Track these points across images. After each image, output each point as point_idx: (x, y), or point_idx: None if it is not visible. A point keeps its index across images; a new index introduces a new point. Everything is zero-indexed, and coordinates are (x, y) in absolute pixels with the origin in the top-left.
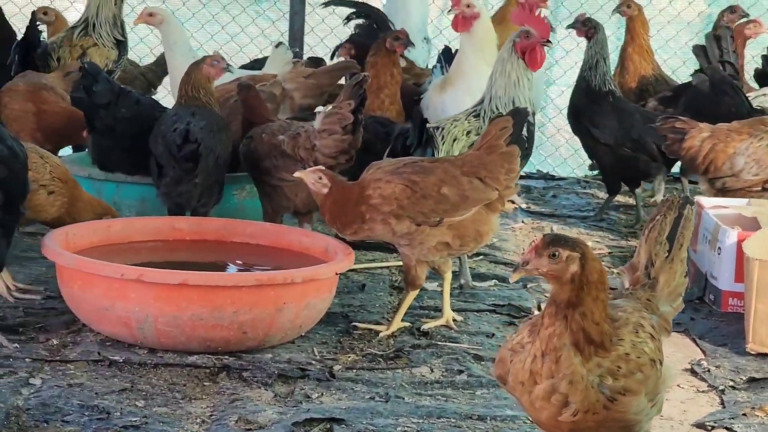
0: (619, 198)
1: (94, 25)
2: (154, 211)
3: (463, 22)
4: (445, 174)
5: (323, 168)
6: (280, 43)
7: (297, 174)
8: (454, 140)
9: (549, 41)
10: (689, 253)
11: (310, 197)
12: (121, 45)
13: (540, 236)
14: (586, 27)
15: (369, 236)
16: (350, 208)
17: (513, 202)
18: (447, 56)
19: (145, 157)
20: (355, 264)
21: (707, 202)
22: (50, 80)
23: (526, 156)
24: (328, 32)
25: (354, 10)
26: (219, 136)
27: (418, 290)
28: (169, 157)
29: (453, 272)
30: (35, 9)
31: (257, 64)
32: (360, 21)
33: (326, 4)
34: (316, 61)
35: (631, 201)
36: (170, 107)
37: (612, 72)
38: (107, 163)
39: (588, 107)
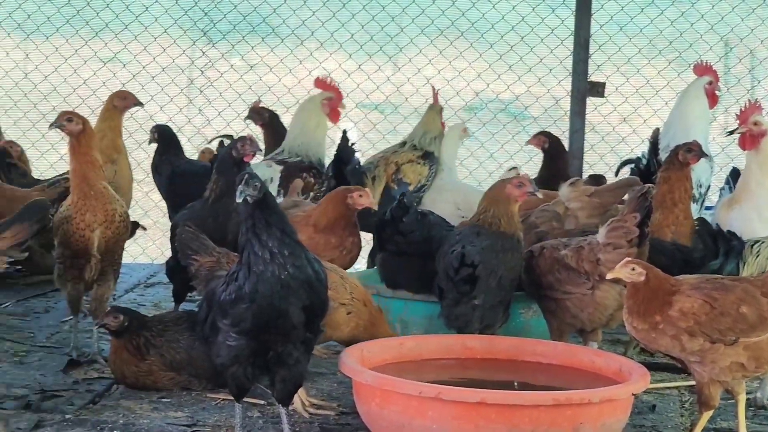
0: None
1: (414, 145)
2: (441, 329)
3: (751, 140)
4: (745, 293)
5: (631, 258)
6: (513, 168)
7: (609, 275)
8: None
9: None
10: None
11: (597, 312)
12: (430, 157)
13: None
14: None
15: (653, 343)
16: (656, 304)
17: None
18: (735, 176)
19: (432, 277)
20: None
21: None
22: None
23: None
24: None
25: None
26: (503, 256)
27: (712, 411)
28: (447, 279)
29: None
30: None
31: None
32: None
33: None
34: (596, 179)
35: None
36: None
37: None
38: (396, 281)
39: None
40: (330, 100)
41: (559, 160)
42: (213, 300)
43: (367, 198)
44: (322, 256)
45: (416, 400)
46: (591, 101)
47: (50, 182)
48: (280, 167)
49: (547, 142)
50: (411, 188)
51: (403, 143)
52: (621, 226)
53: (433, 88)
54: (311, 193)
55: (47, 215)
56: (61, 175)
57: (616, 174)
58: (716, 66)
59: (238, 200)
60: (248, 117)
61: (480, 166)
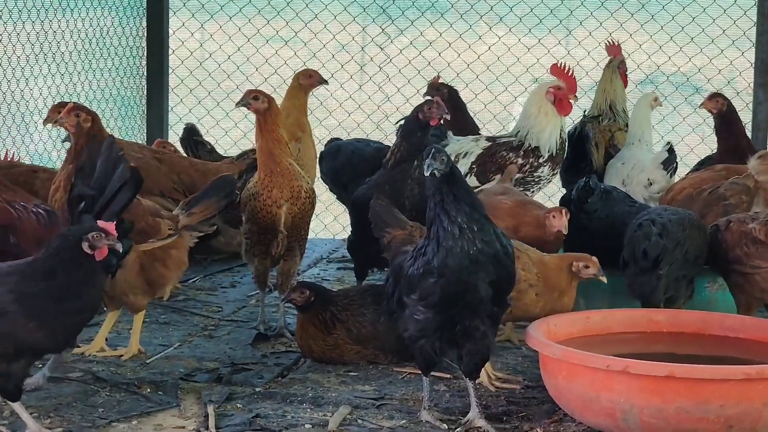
0: None
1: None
2: (624, 305)
3: None
4: None
5: None
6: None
7: None
8: None
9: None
10: None
11: None
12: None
13: None
14: None
15: None
16: None
17: None
18: None
19: (616, 251)
20: None
21: None
22: None
23: None
24: None
25: None
26: (690, 232)
27: None
28: (634, 250)
29: None
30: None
31: None
32: None
33: None
34: None
35: None
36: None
37: None
38: None
39: None
40: (558, 89)
41: (734, 126)
42: (400, 274)
43: (562, 219)
44: None
45: (603, 374)
46: None
47: (238, 156)
48: (488, 143)
49: (725, 105)
50: None
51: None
52: None
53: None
54: (519, 174)
55: (234, 190)
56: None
57: None
58: None
59: (426, 173)
60: (426, 93)
61: (661, 140)
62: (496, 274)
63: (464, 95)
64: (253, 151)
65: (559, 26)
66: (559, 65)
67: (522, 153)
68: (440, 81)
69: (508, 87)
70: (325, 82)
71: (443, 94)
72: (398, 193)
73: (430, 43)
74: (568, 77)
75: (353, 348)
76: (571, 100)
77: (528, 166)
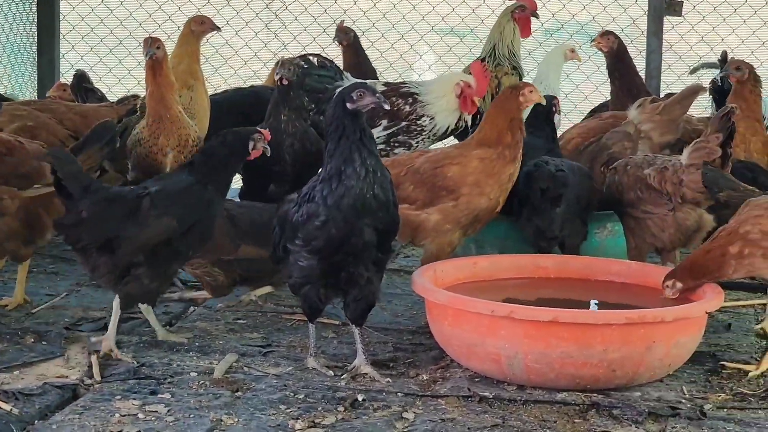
0: None
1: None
2: (515, 249)
3: None
4: None
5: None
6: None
7: None
8: None
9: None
10: None
11: (677, 233)
12: (518, 69)
13: None
14: None
15: (749, 273)
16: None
17: None
18: None
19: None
20: None
21: None
22: None
23: None
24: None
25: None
26: (580, 179)
27: None
28: (531, 197)
29: None
30: None
31: None
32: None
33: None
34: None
35: None
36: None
37: None
38: None
39: None
40: (468, 87)
41: (626, 64)
42: (285, 221)
43: (537, 92)
44: (505, 175)
45: (488, 319)
46: (668, 20)
47: (119, 100)
48: (383, 88)
49: (617, 42)
50: None
51: (482, 59)
52: (704, 146)
53: None
54: (404, 122)
55: (115, 137)
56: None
57: (692, 73)
58: None
59: (275, 78)
60: (335, 37)
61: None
62: (383, 222)
63: (380, 45)
64: (135, 96)
65: None
66: (481, 65)
67: (410, 100)
68: (345, 25)
69: (404, 35)
70: (218, 28)
71: (350, 38)
72: (278, 147)
73: None
74: (483, 78)
75: None
76: (476, 101)
77: (413, 115)
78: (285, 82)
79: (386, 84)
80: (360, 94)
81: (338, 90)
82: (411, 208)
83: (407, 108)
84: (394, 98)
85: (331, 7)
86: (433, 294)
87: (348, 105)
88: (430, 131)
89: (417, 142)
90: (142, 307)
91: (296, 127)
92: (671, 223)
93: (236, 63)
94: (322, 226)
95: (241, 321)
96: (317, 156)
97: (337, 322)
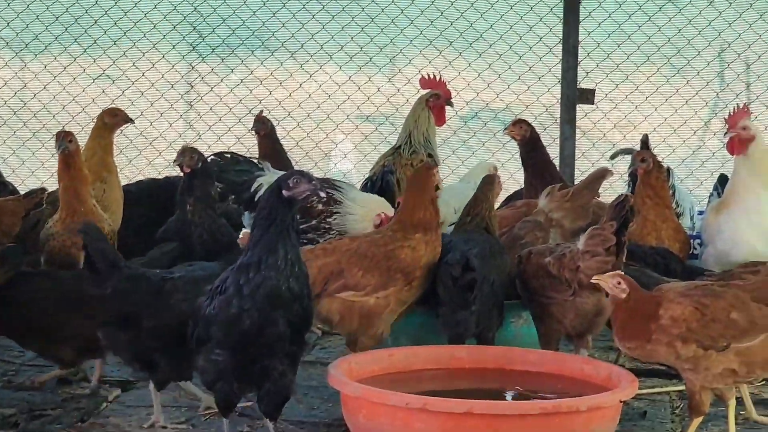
0: None
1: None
2: (432, 339)
3: (739, 144)
4: (735, 299)
5: (622, 273)
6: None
7: (594, 279)
8: None
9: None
10: None
11: (578, 319)
12: (434, 157)
13: None
14: None
15: (649, 357)
16: (640, 321)
17: None
18: (723, 182)
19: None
20: None
21: None
22: None
23: None
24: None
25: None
26: (493, 261)
27: (702, 417)
28: (447, 286)
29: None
30: None
31: None
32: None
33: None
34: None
35: None
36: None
37: None
38: None
39: None
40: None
41: (539, 152)
42: (198, 314)
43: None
44: (430, 256)
45: (403, 412)
46: (581, 108)
47: (26, 193)
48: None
49: (529, 131)
50: None
51: (398, 147)
52: (599, 233)
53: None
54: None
55: (20, 263)
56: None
57: (611, 159)
58: (708, 71)
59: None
60: (253, 126)
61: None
62: (297, 315)
63: (295, 134)
64: (42, 189)
65: (369, 63)
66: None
67: (330, 203)
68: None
69: (319, 124)
70: (131, 120)
71: (267, 127)
72: (188, 238)
73: (242, 80)
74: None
75: None
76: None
77: (326, 213)
78: (187, 170)
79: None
80: (296, 181)
81: (276, 178)
82: (359, 295)
83: (320, 206)
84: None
85: (246, 97)
86: (347, 387)
87: (284, 192)
88: (337, 231)
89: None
90: None
91: (203, 217)
92: (570, 308)
93: (151, 154)
94: (236, 317)
95: (153, 415)
96: (230, 247)
97: (250, 403)
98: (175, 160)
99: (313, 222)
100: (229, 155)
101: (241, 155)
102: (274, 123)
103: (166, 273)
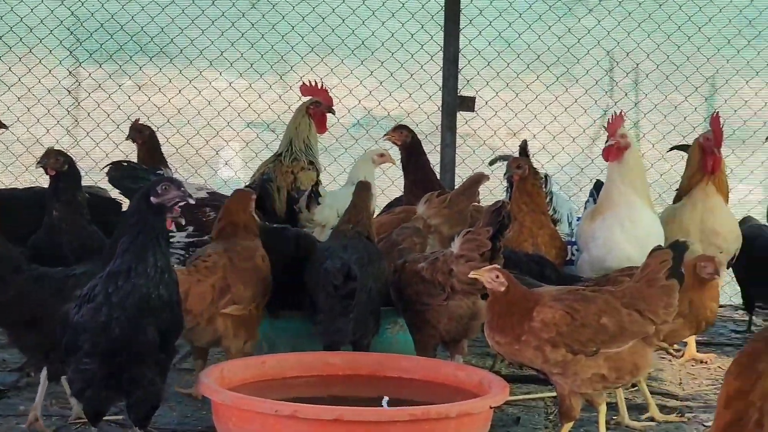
0: None
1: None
2: (308, 346)
3: (616, 152)
4: (606, 304)
5: (499, 267)
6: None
7: (472, 274)
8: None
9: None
10: None
11: (452, 323)
12: (315, 164)
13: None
14: None
15: (515, 356)
16: (514, 318)
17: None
18: (598, 189)
19: (297, 293)
20: (509, 396)
21: None
22: None
23: None
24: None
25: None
26: (369, 268)
27: (573, 422)
28: (327, 294)
29: (608, 404)
30: None
31: None
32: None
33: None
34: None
35: None
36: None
37: None
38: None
39: None
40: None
41: (420, 158)
42: (66, 322)
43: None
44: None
45: (273, 419)
46: (462, 115)
47: None
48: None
49: (410, 136)
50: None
51: (279, 154)
52: (474, 238)
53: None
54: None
55: None
56: None
57: (490, 165)
58: (588, 79)
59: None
60: (129, 135)
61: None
62: (167, 322)
63: (175, 141)
64: None
65: (269, 71)
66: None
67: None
68: (141, 123)
69: (199, 131)
70: (5, 126)
71: (144, 135)
72: (58, 246)
73: (140, 87)
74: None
75: None
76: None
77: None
78: (52, 173)
79: (210, 192)
80: (165, 188)
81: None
82: (239, 308)
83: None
84: (208, 209)
85: (124, 103)
86: (217, 394)
87: (152, 198)
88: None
89: None
90: None
91: (70, 223)
92: (444, 313)
93: (28, 160)
94: (105, 326)
95: (22, 426)
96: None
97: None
98: (38, 162)
99: (206, 237)
100: (126, 164)
101: (136, 163)
102: (172, 131)
103: (68, 270)
